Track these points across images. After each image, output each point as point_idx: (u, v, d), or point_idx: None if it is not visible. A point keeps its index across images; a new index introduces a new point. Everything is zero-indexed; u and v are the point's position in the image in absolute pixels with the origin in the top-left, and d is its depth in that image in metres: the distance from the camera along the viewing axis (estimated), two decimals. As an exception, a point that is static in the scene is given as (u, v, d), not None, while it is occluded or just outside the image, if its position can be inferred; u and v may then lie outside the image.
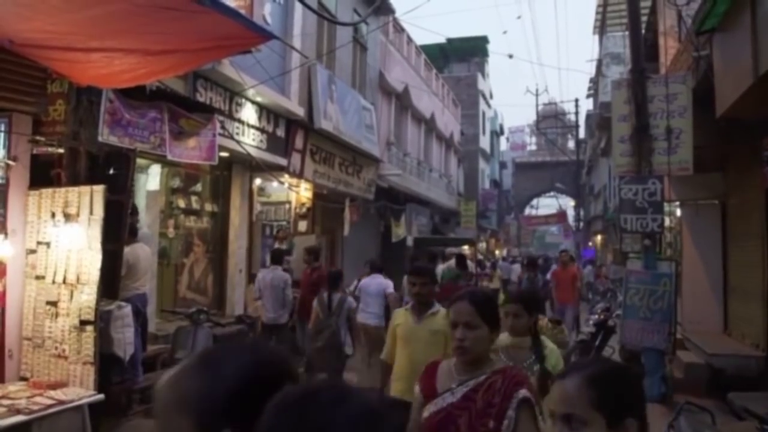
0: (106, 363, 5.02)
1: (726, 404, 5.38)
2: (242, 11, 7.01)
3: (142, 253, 6.21)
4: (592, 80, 29.59)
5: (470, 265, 12.55)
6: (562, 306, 10.39)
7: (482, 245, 31.45)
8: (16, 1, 3.42)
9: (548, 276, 12.24)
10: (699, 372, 7.26)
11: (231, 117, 8.30)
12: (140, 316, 6.10)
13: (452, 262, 11.44)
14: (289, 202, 10.76)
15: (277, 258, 7.94)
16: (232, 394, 0.84)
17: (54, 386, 4.63)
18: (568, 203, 41.66)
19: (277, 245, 9.81)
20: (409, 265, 10.06)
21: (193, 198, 8.83)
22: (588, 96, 32.29)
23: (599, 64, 25.56)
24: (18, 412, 4.10)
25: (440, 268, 11.00)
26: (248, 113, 8.78)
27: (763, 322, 6.91)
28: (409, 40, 18.45)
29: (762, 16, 4.89)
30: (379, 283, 7.36)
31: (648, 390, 7.11)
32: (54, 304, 4.95)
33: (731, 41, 5.78)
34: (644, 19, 10.58)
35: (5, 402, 4.24)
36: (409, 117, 18.13)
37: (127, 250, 5.77)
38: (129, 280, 5.96)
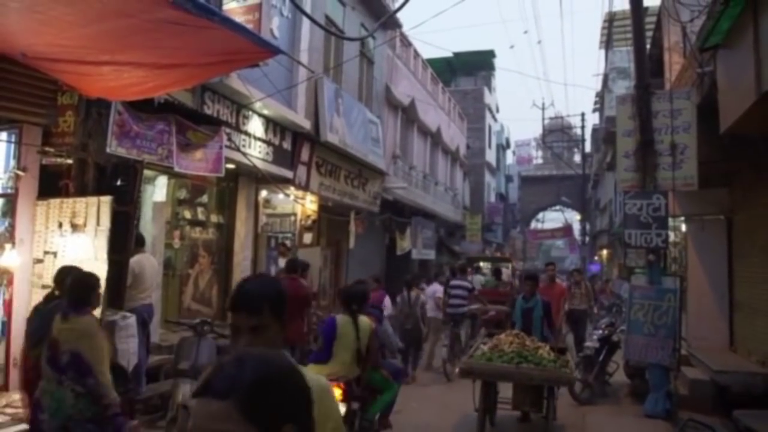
0: (110, 373, 5.03)
1: (731, 421, 5.35)
2: (250, 26, 7.10)
3: (147, 263, 6.25)
4: (598, 94, 29.68)
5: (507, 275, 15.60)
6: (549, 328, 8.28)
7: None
8: (31, 16, 3.50)
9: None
10: (704, 389, 7.20)
11: (238, 129, 8.38)
12: (146, 327, 6.13)
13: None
14: (295, 214, 10.80)
15: (291, 269, 7.93)
16: None
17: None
18: (574, 217, 41.59)
19: (280, 259, 9.85)
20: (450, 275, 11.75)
21: (199, 209, 8.89)
22: (594, 110, 32.38)
23: (605, 78, 25.65)
24: (21, 421, 4.12)
25: (477, 278, 14.56)
26: (255, 126, 8.86)
27: (769, 338, 6.88)
28: (416, 54, 18.57)
29: (765, 33, 4.91)
30: (434, 288, 10.89)
31: (652, 406, 7.06)
32: (60, 313, 4.98)
33: (735, 58, 5.80)
34: (649, 34, 10.63)
35: (9, 411, 4.27)
36: (415, 130, 18.20)
37: (133, 260, 5.82)
38: (135, 290, 6.00)
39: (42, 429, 3.54)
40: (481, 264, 20.36)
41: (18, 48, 4.14)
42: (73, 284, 3.78)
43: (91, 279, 3.86)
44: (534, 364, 5.48)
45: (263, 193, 9.98)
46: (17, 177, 5.13)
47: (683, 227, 10.03)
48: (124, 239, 5.32)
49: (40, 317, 4.13)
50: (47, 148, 5.26)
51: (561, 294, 9.60)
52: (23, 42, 4.02)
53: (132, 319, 5.44)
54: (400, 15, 14.66)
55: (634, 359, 7.59)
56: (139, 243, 6.19)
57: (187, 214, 8.58)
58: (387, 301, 9.00)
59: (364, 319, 5.07)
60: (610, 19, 21.92)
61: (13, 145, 5.21)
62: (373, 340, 5.15)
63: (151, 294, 6.37)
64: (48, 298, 4.30)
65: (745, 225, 8.06)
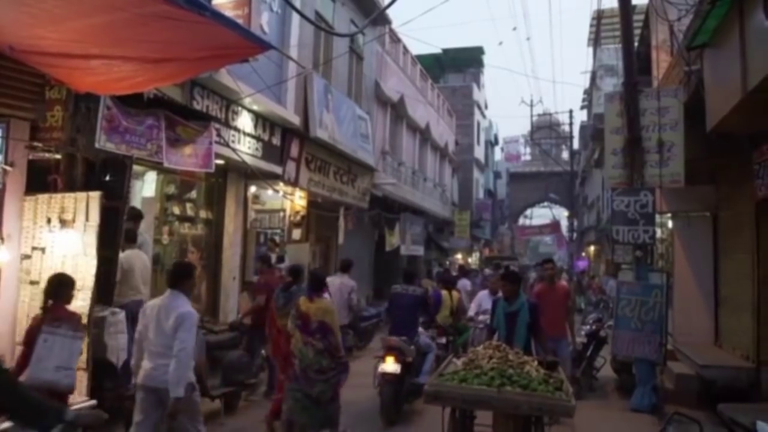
0: (99, 369, 5.02)
1: (716, 415, 5.43)
2: (240, 21, 7.07)
3: (137, 259, 6.23)
4: (586, 92, 29.85)
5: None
6: (553, 339, 6.86)
7: (476, 255, 31.54)
8: (19, 9, 3.46)
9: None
10: (690, 383, 7.31)
11: (227, 125, 8.34)
12: (135, 323, 6.10)
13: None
14: (284, 210, 10.78)
15: (346, 267, 9.21)
16: None
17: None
18: (562, 213, 41.84)
19: (269, 254, 9.84)
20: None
21: (188, 205, 8.84)
22: (582, 107, 32.55)
23: (593, 75, 25.80)
24: (10, 417, 4.09)
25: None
26: (244, 121, 8.82)
27: (753, 333, 6.98)
28: (405, 50, 18.57)
29: (750, 33, 4.98)
30: (463, 282, 12.38)
31: (639, 400, 7.16)
32: (48, 309, 4.95)
33: (721, 57, 5.88)
34: (637, 32, 10.71)
35: (-2, 407, 4.23)
36: (405, 126, 18.21)
37: (122, 255, 5.80)
38: (124, 286, 5.99)
39: (294, 369, 5.40)
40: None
41: (6, 41, 4.10)
42: (311, 278, 5.87)
43: (322, 274, 6.00)
44: (520, 387, 4.22)
45: (252, 189, 9.95)
46: (4, 172, 5.07)
47: (670, 224, 10.15)
48: (113, 235, 5.29)
49: (284, 297, 6.15)
50: (35, 143, 5.21)
51: (565, 296, 7.80)
52: (11, 35, 3.97)
53: (121, 315, 5.42)
54: (389, 11, 14.65)
55: (621, 354, 7.69)
56: (130, 239, 6.17)
57: (176, 210, 8.53)
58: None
59: (454, 292, 9.04)
60: (599, 17, 22.02)
61: (0, 140, 5.16)
62: (460, 303, 9.09)
63: (142, 290, 6.35)
64: (288, 285, 6.27)
65: (730, 222, 8.17)
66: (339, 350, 5.43)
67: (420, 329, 7.26)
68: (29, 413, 2.30)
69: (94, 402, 4.66)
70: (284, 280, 7.49)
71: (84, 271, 4.83)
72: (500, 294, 6.44)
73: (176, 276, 4.48)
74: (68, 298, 4.28)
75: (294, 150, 10.44)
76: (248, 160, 8.66)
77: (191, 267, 4.74)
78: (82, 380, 4.72)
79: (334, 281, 8.58)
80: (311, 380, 5.24)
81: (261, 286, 7.63)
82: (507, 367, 4.45)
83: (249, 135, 8.98)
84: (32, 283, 5.08)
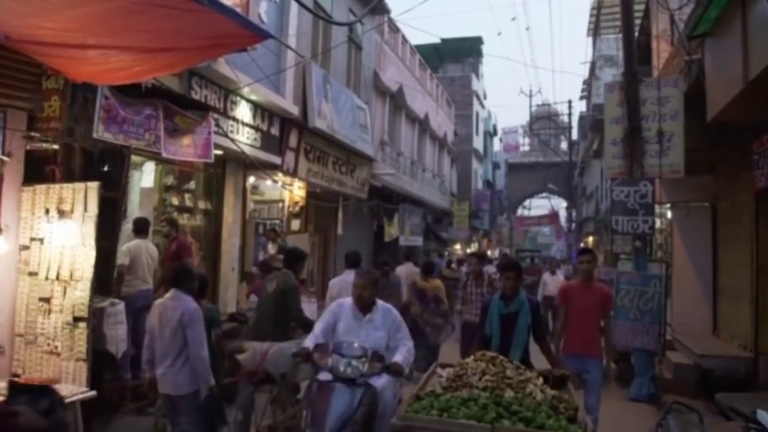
0: (99, 360, 5.03)
1: (714, 404, 5.45)
2: (238, 10, 7.01)
3: (143, 249, 6.33)
4: (585, 82, 29.74)
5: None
6: (580, 359, 5.28)
7: (474, 245, 31.58)
8: (14, -2, 3.43)
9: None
10: (688, 373, 7.35)
11: (225, 115, 8.29)
12: (141, 313, 6.15)
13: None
14: (283, 201, 10.76)
15: (407, 258, 11.04)
16: None
17: (46, 383, 4.63)
18: (561, 204, 41.88)
19: (270, 245, 9.83)
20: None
21: (187, 196, 8.81)
22: (581, 98, 32.45)
23: (593, 66, 25.70)
24: (10, 408, 4.09)
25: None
26: (243, 111, 8.78)
27: (751, 323, 7.00)
28: (404, 40, 18.48)
29: (752, 22, 4.95)
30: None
31: (637, 390, 7.20)
32: (47, 300, 4.95)
33: (722, 46, 5.85)
34: (637, 22, 10.66)
35: (-2, 398, 4.23)
36: (403, 117, 18.16)
37: (130, 244, 5.88)
38: (129, 276, 6.04)
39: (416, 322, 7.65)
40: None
41: (1, 31, 4.06)
42: (425, 265, 8.63)
43: (433, 261, 9.03)
44: (522, 422, 3.05)
45: (251, 180, 9.92)
46: (2, 163, 5.03)
47: (669, 214, 10.16)
48: (111, 226, 5.28)
49: (384, 281, 7.43)
50: (32, 134, 5.17)
51: (604, 301, 5.55)
52: (7, 24, 3.93)
53: (120, 306, 5.41)
54: (388, 0, 14.56)
55: (620, 344, 7.71)
56: (140, 230, 6.23)
57: (175, 201, 8.50)
58: None
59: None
60: (599, 7, 21.92)
61: (-3, 130, 5.12)
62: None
63: (149, 280, 6.40)
64: (384, 273, 7.85)
65: (729, 212, 8.17)
66: (448, 313, 8.11)
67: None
68: (308, 326, 4.78)
69: (93, 393, 4.66)
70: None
71: (82, 261, 4.82)
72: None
73: (352, 259, 6.80)
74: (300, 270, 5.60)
75: (293, 140, 10.40)
76: (247, 150, 8.63)
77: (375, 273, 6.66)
78: (81, 371, 4.73)
79: (402, 270, 10.04)
80: (428, 335, 7.81)
81: (176, 251, 7.05)
82: (504, 387, 3.41)
83: (247, 125, 8.94)
84: (31, 274, 5.06)
